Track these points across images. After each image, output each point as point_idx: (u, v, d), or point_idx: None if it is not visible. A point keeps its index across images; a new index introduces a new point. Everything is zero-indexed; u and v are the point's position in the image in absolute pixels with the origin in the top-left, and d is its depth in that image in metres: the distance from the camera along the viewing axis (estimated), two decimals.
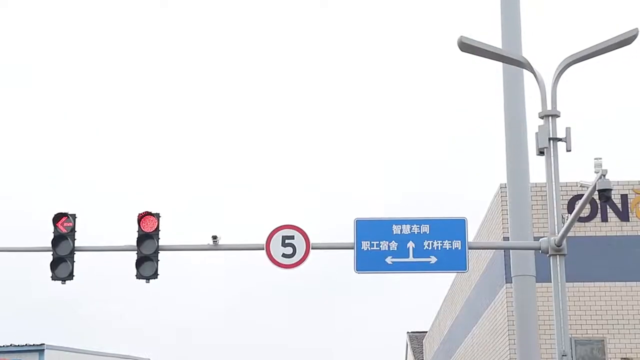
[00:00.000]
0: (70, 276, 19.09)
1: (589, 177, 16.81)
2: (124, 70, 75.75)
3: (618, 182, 24.84)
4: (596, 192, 15.83)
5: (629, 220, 24.97)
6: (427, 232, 18.39)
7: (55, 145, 75.02)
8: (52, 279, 19.06)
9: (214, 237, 18.87)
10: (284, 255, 18.67)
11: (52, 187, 74.57)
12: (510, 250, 19.00)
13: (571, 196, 24.66)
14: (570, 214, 20.01)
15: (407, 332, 57.62)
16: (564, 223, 16.93)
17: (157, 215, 19.08)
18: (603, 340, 24.27)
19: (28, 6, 74.71)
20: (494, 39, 18.75)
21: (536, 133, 16.95)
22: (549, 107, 16.84)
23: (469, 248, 18.42)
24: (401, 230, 18.47)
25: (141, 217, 19.03)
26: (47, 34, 76.16)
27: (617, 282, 24.58)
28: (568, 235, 16.81)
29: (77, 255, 19.20)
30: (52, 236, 19.12)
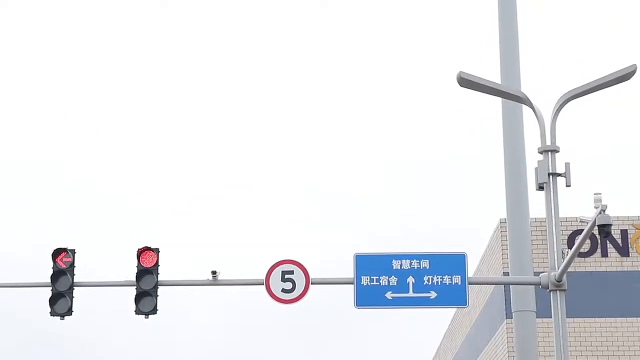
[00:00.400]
0: (69, 312, 19.02)
1: (589, 212, 16.83)
2: (124, 71, 75.77)
3: (618, 217, 24.82)
4: (596, 227, 15.81)
5: (629, 256, 24.94)
6: (427, 267, 18.37)
7: (55, 146, 74.95)
8: (51, 315, 19.00)
9: (214, 272, 18.83)
10: (283, 291, 18.63)
11: (52, 188, 74.43)
12: (511, 286, 18.96)
13: (571, 231, 24.64)
14: (570, 249, 19.98)
15: None
16: (564, 258, 16.90)
17: (157, 251, 19.05)
18: None
19: (28, 6, 74.94)
20: (493, 63, 18.82)
21: (535, 168, 16.97)
22: (548, 143, 16.86)
23: (469, 283, 18.39)
24: (401, 265, 18.44)
25: (140, 252, 18.99)
26: (47, 34, 76.31)
27: (617, 318, 24.51)
28: (568, 270, 16.77)
29: (76, 290, 19.14)
30: (51, 268, 19.07)
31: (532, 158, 17.33)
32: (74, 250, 19.31)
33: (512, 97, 17.16)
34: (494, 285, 25.96)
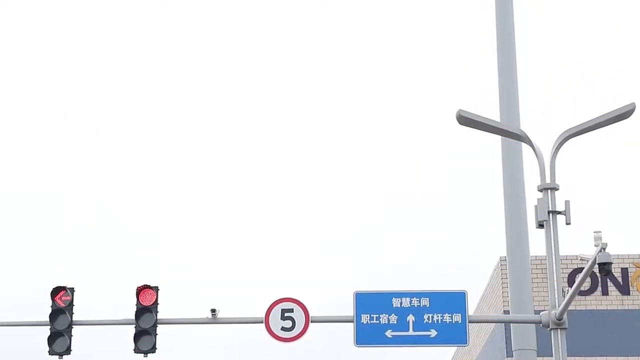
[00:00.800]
0: (68, 351, 18.94)
1: (589, 250, 16.80)
2: (123, 71, 75.66)
3: (618, 255, 24.79)
4: (596, 266, 15.79)
5: (629, 294, 24.88)
6: (427, 305, 18.31)
7: (55, 146, 74.74)
8: (50, 354, 18.91)
9: (213, 311, 18.78)
10: (283, 329, 18.56)
11: (50, 224, 74.20)
12: (511, 324, 18.90)
13: (571, 269, 24.60)
14: (571, 287, 19.93)
15: None
16: (564, 296, 16.85)
17: (156, 289, 19.00)
18: None
19: (28, 6, 75.09)
20: (492, 98, 18.88)
21: (535, 206, 16.97)
22: (548, 180, 16.88)
23: (470, 321, 18.32)
24: (401, 303, 18.39)
25: (140, 290, 18.95)
26: (47, 34, 76.35)
27: (618, 357, 24.41)
28: (569, 308, 16.72)
29: (75, 328, 19.08)
30: (50, 307, 19.01)
31: (532, 195, 17.35)
32: (72, 288, 19.26)
33: (512, 135, 17.19)
34: (494, 324, 25.87)
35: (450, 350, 36.22)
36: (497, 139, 19.19)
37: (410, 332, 18.23)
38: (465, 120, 16.83)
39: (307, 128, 75.94)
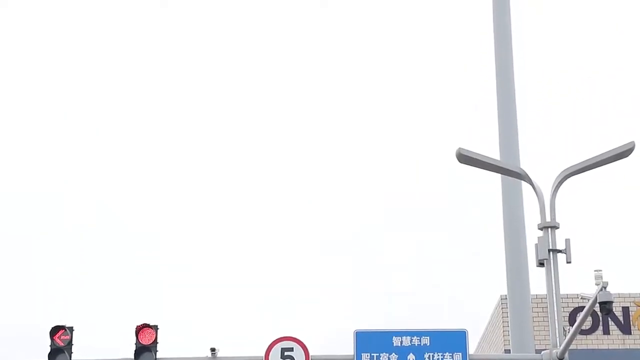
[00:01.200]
0: None
1: (590, 289, 16.76)
2: (123, 71, 75.56)
3: (619, 294, 24.72)
4: (597, 305, 15.74)
5: (630, 333, 24.79)
6: (428, 344, 18.23)
7: (55, 146, 74.51)
8: None
9: (212, 350, 18.70)
10: None
11: (49, 262, 73.91)
12: None
13: (572, 308, 24.52)
14: (572, 326, 19.87)
15: None
16: (565, 335, 16.79)
17: (155, 328, 18.93)
18: None
19: (28, 6, 75.21)
20: (492, 136, 18.93)
21: (536, 244, 16.95)
22: (548, 219, 16.87)
23: None
24: (401, 342, 18.31)
25: (139, 329, 18.87)
26: (47, 34, 76.35)
27: None
28: (570, 348, 16.65)
29: None
30: (49, 346, 18.93)
31: (532, 234, 17.33)
32: (72, 327, 19.18)
33: (512, 173, 17.22)
34: None
35: None
36: (497, 177, 19.20)
37: None
38: (464, 158, 16.87)
39: (306, 128, 75.71)
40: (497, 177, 19.18)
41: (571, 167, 16.84)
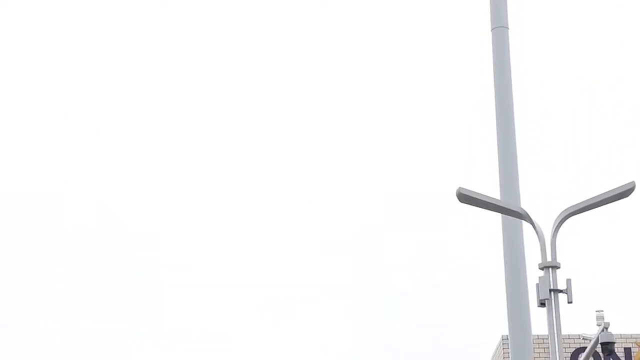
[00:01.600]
0: None
1: (592, 329, 16.65)
2: (123, 71, 75.37)
3: (621, 335, 24.59)
4: (599, 345, 15.63)
5: None
6: None
7: (55, 146, 74.20)
8: None
9: None
10: None
11: (52, 187, 73.49)
12: None
13: (574, 348, 24.39)
14: None
15: None
16: None
17: None
18: None
19: (28, 6, 75.20)
20: (492, 174, 18.89)
21: (537, 284, 16.85)
22: (549, 259, 16.78)
23: None
24: None
25: None
26: (47, 34, 76.25)
27: None
28: None
29: None
30: None
31: (533, 273, 17.22)
32: None
33: (512, 213, 17.14)
34: None
35: None
36: (497, 215, 19.14)
37: None
38: (465, 197, 16.80)
39: (306, 128, 75.57)
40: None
41: (571, 207, 16.78)
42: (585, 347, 22.33)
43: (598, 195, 16.67)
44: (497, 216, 19.18)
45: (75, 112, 72.90)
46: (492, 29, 20.37)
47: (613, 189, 16.59)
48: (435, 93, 72.71)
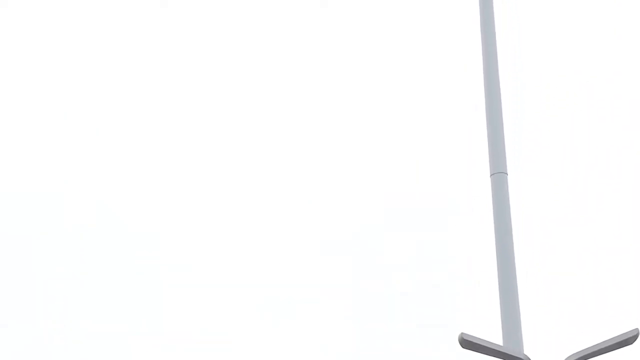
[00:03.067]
0: None
1: None
2: (123, 71, 75.15)
3: None
4: None
5: None
6: None
7: (55, 146, 74.13)
8: None
9: None
10: None
11: (52, 187, 73.55)
12: None
13: None
14: None
15: None
16: None
17: None
18: None
19: (28, 6, 74.80)
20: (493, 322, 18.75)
21: None
22: None
23: None
24: None
25: None
26: (47, 34, 75.94)
27: None
28: None
29: None
30: None
31: None
32: None
33: (514, 359, 17.09)
34: None
35: None
36: None
37: None
38: (467, 343, 16.73)
39: (306, 128, 75.14)
40: None
41: (573, 354, 16.73)
42: None
43: (600, 343, 16.58)
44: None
45: (75, 112, 72.45)
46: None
47: (616, 337, 16.46)
48: (435, 93, 72.12)
